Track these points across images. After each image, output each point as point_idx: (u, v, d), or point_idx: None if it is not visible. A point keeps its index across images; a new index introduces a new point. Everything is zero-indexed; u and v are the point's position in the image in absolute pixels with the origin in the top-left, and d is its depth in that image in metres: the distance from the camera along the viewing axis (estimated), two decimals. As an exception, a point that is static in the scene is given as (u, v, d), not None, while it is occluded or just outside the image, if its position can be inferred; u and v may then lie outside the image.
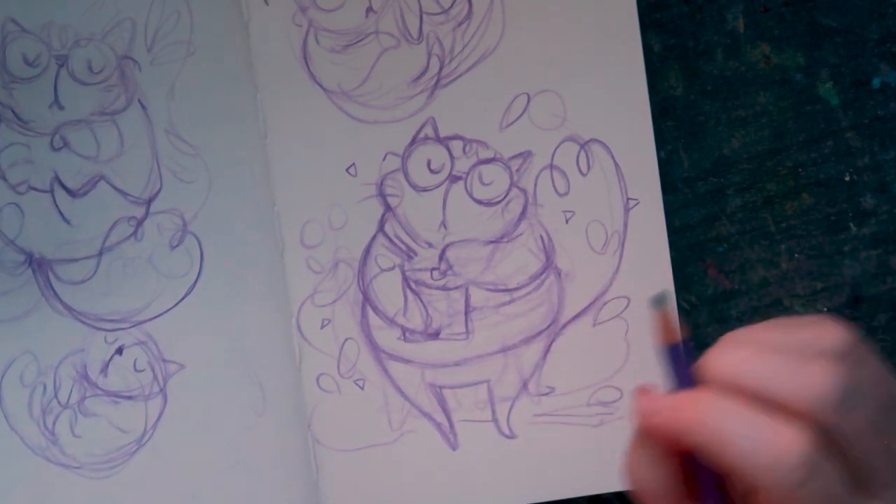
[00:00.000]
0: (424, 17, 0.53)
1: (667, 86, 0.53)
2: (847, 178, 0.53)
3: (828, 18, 0.53)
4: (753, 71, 0.53)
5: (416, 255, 0.54)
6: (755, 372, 0.35)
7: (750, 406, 0.35)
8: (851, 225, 0.53)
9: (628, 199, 0.53)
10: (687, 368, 0.37)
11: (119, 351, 0.54)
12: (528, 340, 0.53)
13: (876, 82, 0.53)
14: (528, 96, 0.53)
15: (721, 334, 0.52)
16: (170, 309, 0.54)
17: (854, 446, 0.35)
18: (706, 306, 0.53)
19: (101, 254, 0.54)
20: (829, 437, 0.34)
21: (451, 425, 0.54)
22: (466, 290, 0.53)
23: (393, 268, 0.54)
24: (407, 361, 0.54)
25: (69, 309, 0.54)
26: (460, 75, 0.53)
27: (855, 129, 0.51)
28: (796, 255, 0.53)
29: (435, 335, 0.54)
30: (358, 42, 0.54)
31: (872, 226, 0.53)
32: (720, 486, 0.37)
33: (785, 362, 0.35)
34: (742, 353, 0.36)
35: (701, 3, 0.53)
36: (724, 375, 0.36)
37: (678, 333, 0.37)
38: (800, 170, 0.53)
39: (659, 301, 0.37)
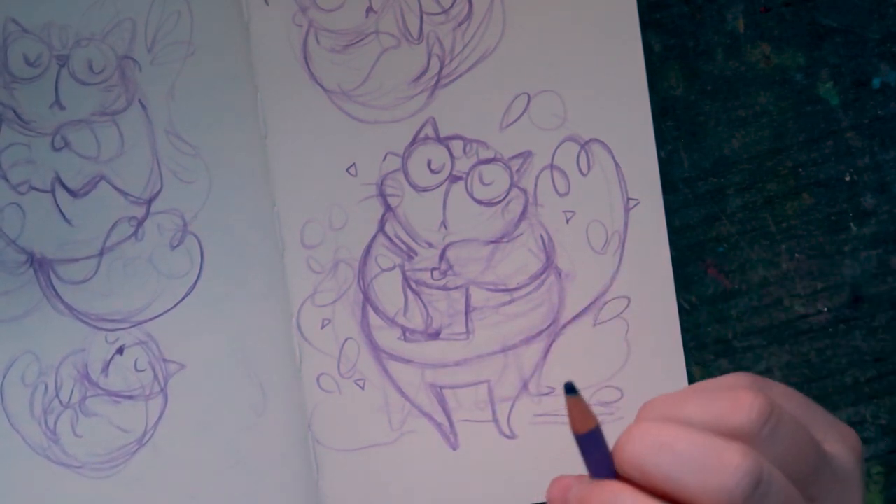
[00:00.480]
0: (425, 17, 0.53)
1: (667, 86, 0.53)
2: (847, 178, 0.53)
3: (828, 18, 0.53)
4: (753, 71, 0.53)
5: (416, 255, 0.54)
6: (662, 466, 0.34)
7: None
8: (852, 225, 0.53)
9: (629, 199, 0.53)
10: (603, 455, 0.36)
11: (120, 351, 0.54)
12: (528, 340, 0.53)
13: (876, 82, 0.53)
14: (529, 96, 0.53)
15: (721, 334, 0.53)
16: (170, 309, 0.54)
17: None
18: (706, 306, 0.53)
19: (101, 254, 0.54)
20: None
21: (452, 425, 0.54)
22: (467, 290, 0.54)
23: (393, 268, 0.54)
24: (407, 361, 0.54)
25: (70, 309, 0.54)
26: (460, 75, 0.53)
27: (855, 129, 0.51)
28: (796, 255, 0.53)
29: (435, 335, 0.54)
30: (358, 42, 0.54)
31: (872, 226, 0.53)
32: None
33: (690, 452, 0.34)
34: (650, 441, 0.35)
35: (701, 3, 0.53)
36: (633, 468, 0.35)
37: (594, 420, 0.36)
38: (800, 170, 0.53)
39: (570, 388, 0.36)
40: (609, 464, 0.36)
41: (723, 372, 0.53)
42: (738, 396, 0.36)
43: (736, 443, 0.34)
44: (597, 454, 0.37)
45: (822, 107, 0.53)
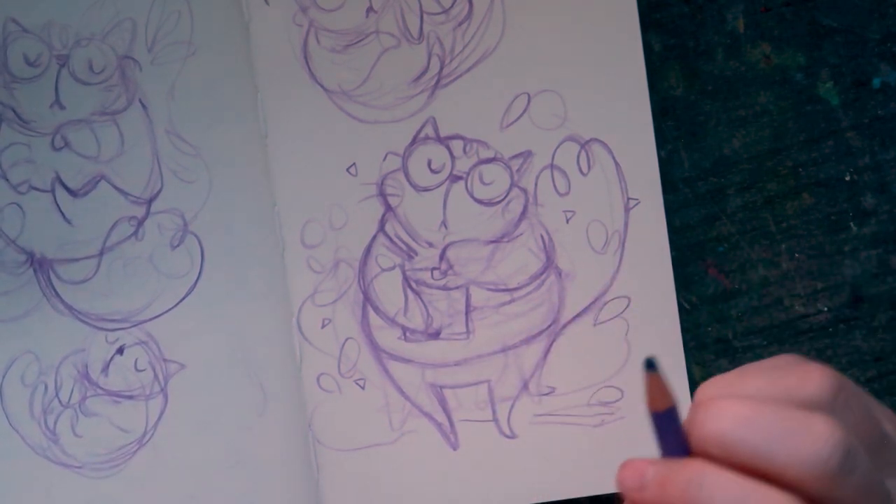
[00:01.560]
0: (425, 16, 0.53)
1: (667, 86, 0.54)
2: (847, 178, 0.53)
3: (828, 18, 0.53)
4: (754, 71, 0.53)
5: (416, 254, 0.54)
6: (748, 439, 0.33)
7: (740, 480, 0.33)
8: (852, 225, 0.53)
9: (629, 198, 0.53)
10: (679, 435, 0.35)
11: (120, 351, 0.54)
12: (528, 340, 0.53)
13: (876, 82, 0.53)
14: (529, 96, 0.53)
15: (721, 334, 0.53)
16: (170, 309, 0.54)
17: None
18: (706, 306, 0.53)
19: (101, 253, 0.54)
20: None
21: (452, 425, 0.54)
22: (467, 289, 0.54)
23: (393, 267, 0.54)
24: (407, 361, 0.54)
25: (70, 309, 0.54)
26: (461, 75, 0.53)
27: (855, 129, 0.51)
28: (797, 255, 0.53)
29: (435, 335, 0.54)
30: (358, 42, 0.54)
31: (873, 225, 0.53)
32: None
33: (776, 424, 0.34)
34: (731, 416, 0.34)
35: (701, 3, 0.53)
36: (715, 444, 0.34)
37: (671, 398, 0.35)
38: (800, 170, 0.53)
39: (651, 364, 0.35)
40: (684, 443, 0.35)
41: (723, 372, 0.53)
42: (805, 370, 0.35)
43: (820, 413, 0.34)
44: (672, 433, 0.35)
45: (823, 107, 0.53)
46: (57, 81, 0.53)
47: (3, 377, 0.54)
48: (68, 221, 0.54)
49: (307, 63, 0.54)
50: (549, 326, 0.53)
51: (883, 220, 0.53)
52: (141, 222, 0.54)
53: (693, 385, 0.53)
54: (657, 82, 0.53)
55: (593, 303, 0.53)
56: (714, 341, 0.54)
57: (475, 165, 0.53)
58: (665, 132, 0.53)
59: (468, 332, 0.54)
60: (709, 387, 0.36)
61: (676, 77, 0.53)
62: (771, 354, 0.53)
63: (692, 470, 0.34)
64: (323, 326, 0.54)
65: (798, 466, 0.33)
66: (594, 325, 0.53)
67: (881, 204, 0.53)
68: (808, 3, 0.53)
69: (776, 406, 0.34)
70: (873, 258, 0.53)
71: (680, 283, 0.53)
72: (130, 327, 0.54)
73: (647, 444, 0.52)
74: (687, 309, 0.53)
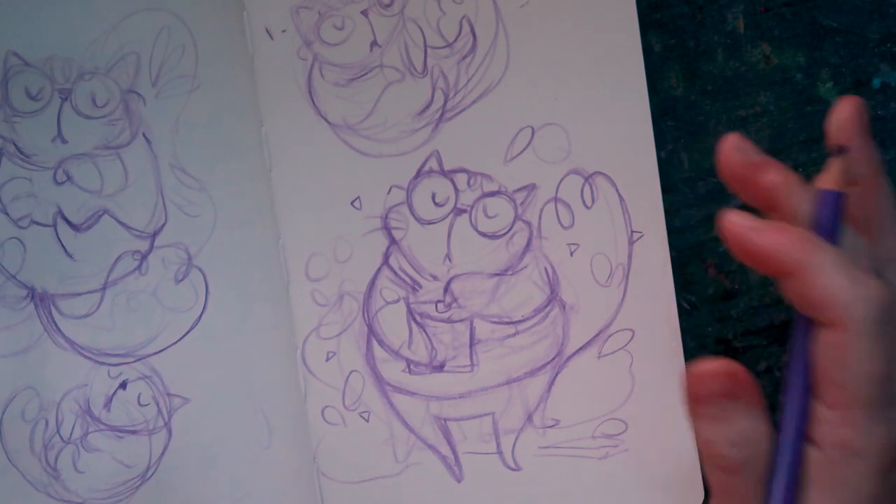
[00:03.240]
0: (429, 50, 0.53)
1: (667, 86, 0.54)
2: (847, 178, 0.53)
3: (828, 18, 0.53)
4: (754, 71, 0.54)
5: (420, 287, 0.54)
6: None
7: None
8: (852, 225, 0.53)
9: (632, 231, 0.53)
10: (836, 222, 0.38)
11: (123, 385, 0.53)
12: (532, 373, 0.54)
13: (876, 82, 0.53)
14: (533, 129, 0.53)
15: (721, 334, 0.53)
16: (174, 343, 0.53)
17: None
18: (706, 306, 0.54)
19: (104, 288, 0.53)
20: None
21: (456, 457, 0.54)
22: (471, 322, 0.54)
23: (398, 300, 0.54)
24: (412, 394, 0.54)
25: (72, 343, 0.53)
26: (465, 108, 0.54)
27: (855, 128, 0.51)
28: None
29: (440, 367, 0.54)
30: (363, 76, 0.54)
31: (874, 233, 0.53)
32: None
33: None
34: None
35: (701, 3, 0.54)
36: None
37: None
38: (800, 170, 0.54)
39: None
40: (835, 232, 0.38)
41: None
42: None
43: None
44: (832, 217, 0.38)
45: (823, 107, 0.53)
46: (59, 115, 0.53)
47: (3, 413, 0.53)
48: (70, 256, 0.53)
49: (312, 97, 0.54)
50: (553, 359, 0.53)
51: (883, 226, 0.53)
52: (145, 256, 0.53)
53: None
54: (657, 82, 0.54)
55: (597, 335, 0.53)
56: (714, 341, 0.54)
57: (479, 198, 0.54)
58: (665, 132, 0.54)
59: (472, 364, 0.54)
60: None
61: (676, 77, 0.54)
62: (771, 354, 0.54)
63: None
64: (328, 359, 0.54)
65: None
66: (598, 357, 0.53)
67: (882, 208, 0.53)
68: (808, 3, 0.53)
69: None
70: (874, 265, 0.53)
71: (680, 283, 0.53)
72: (134, 362, 0.53)
73: (650, 477, 0.52)
74: (687, 309, 0.54)
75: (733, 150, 0.42)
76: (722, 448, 0.39)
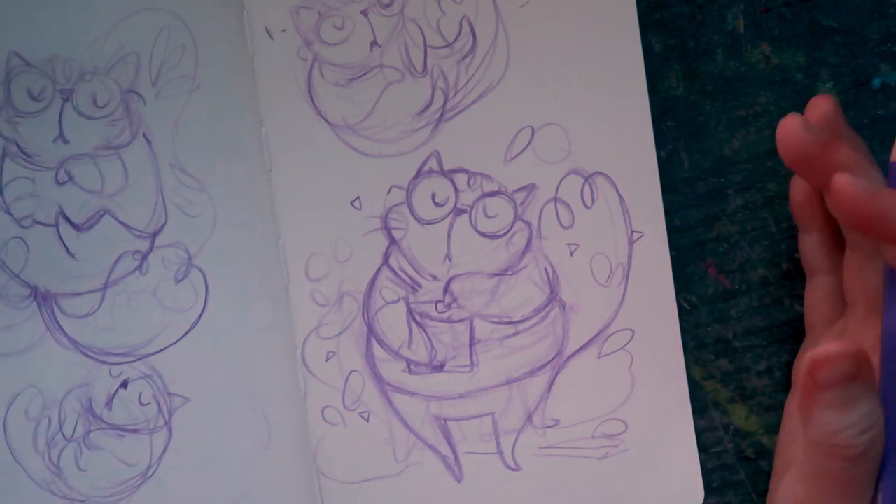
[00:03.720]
0: (429, 50, 0.53)
1: (667, 86, 0.54)
2: (847, 177, 0.53)
3: (828, 18, 0.53)
4: (754, 71, 0.53)
5: (420, 287, 0.54)
6: None
7: None
8: (852, 226, 0.53)
9: (632, 231, 0.53)
10: None
11: (124, 384, 0.54)
12: (532, 373, 0.53)
13: (876, 82, 0.53)
14: (533, 129, 0.53)
15: (721, 334, 0.53)
16: (175, 342, 0.54)
17: None
18: (706, 306, 0.54)
19: (105, 287, 0.54)
20: None
21: (456, 458, 0.54)
22: (471, 322, 0.54)
23: (398, 300, 0.54)
24: (412, 394, 0.54)
25: (74, 343, 0.54)
26: (464, 108, 0.53)
27: (855, 128, 0.50)
28: (797, 255, 0.53)
29: (440, 367, 0.54)
30: (363, 76, 0.54)
31: (874, 231, 0.53)
32: None
33: None
34: None
35: (701, 3, 0.53)
36: None
37: None
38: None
39: None
40: None
41: (723, 372, 0.53)
42: None
43: None
44: None
45: None
46: (61, 115, 0.53)
47: (7, 411, 0.53)
48: (72, 255, 0.53)
49: (311, 97, 0.54)
50: (553, 359, 0.53)
51: (884, 226, 0.53)
52: (145, 256, 0.54)
53: (693, 385, 0.53)
54: (657, 82, 0.53)
55: (597, 335, 0.53)
56: (714, 341, 0.54)
57: (479, 198, 0.54)
58: (665, 132, 0.54)
59: (472, 364, 0.54)
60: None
61: (676, 77, 0.54)
62: (771, 354, 0.53)
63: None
64: (327, 359, 0.54)
65: None
66: (598, 357, 0.53)
67: (882, 208, 0.53)
68: (808, 3, 0.53)
69: None
70: (874, 266, 0.53)
71: (680, 283, 0.53)
72: (134, 361, 0.54)
73: (650, 477, 0.52)
74: (687, 309, 0.54)
75: (803, 129, 0.40)
76: (848, 435, 0.37)
